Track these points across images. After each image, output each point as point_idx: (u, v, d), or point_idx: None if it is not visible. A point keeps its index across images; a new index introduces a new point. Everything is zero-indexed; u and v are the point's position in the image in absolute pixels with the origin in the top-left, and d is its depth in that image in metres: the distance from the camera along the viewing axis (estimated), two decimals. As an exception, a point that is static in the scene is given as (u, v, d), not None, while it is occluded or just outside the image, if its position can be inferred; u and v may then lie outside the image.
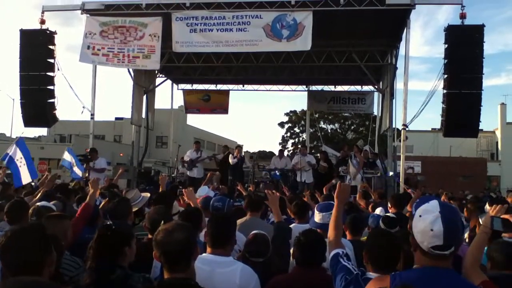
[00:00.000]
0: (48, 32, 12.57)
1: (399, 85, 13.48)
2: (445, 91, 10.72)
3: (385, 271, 2.35)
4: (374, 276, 2.32)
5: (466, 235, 4.59)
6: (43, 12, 12.56)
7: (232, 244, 3.08)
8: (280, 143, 47.33)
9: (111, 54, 11.98)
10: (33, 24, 13.33)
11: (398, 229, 4.32)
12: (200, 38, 11.58)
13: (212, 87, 19.02)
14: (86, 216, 4.21)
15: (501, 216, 2.57)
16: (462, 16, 10.49)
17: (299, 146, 25.91)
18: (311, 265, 3.07)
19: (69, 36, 77.05)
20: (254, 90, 19.37)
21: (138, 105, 15.46)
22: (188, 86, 19.18)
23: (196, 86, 19.22)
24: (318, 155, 14.87)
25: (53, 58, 12.54)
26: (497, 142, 37.32)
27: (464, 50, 10.53)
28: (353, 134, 44.52)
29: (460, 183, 26.50)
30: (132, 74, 14.87)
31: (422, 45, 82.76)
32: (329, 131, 46.07)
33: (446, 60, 10.68)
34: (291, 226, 4.56)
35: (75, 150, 12.43)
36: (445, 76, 10.69)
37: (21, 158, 7.52)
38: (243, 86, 18.89)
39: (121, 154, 29.24)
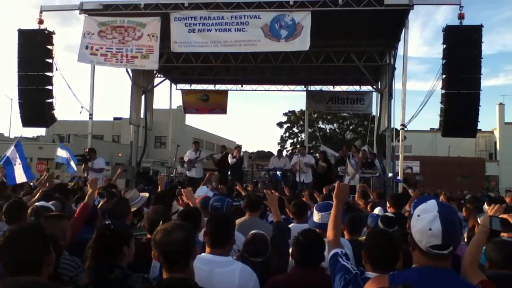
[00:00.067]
0: (46, 32, 12.56)
1: (397, 85, 13.54)
2: (443, 91, 10.75)
3: (384, 270, 2.35)
4: (373, 276, 2.33)
5: (464, 235, 4.60)
6: (41, 12, 12.55)
7: (231, 244, 3.08)
8: (278, 143, 47.37)
9: (110, 54, 11.97)
10: (32, 24, 13.34)
11: (396, 228, 4.33)
12: (199, 38, 11.58)
13: (210, 87, 19.02)
14: (85, 216, 4.20)
15: (500, 216, 2.58)
16: (461, 17, 10.52)
17: (298, 146, 25.96)
18: (310, 265, 3.07)
19: (68, 36, 76.99)
20: (253, 90, 19.44)
21: (137, 105, 15.45)
22: (186, 86, 19.18)
23: (195, 86, 19.23)
24: (317, 155, 14.88)
25: (52, 58, 12.54)
26: (495, 142, 37.39)
27: (462, 50, 10.56)
28: (352, 134, 44.58)
29: (458, 183, 26.52)
30: (131, 74, 14.87)
31: (421, 45, 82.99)
32: (328, 131, 46.11)
33: (444, 60, 10.71)
34: (290, 226, 4.56)
35: (74, 150, 12.43)
36: (444, 76, 10.71)
37: (16, 157, 7.64)
38: (242, 86, 18.91)
39: (119, 154, 29.14)
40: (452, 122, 10.80)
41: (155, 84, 16.96)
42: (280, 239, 3.85)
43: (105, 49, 11.95)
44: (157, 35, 11.70)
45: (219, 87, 18.98)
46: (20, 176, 7.56)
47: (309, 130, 29.44)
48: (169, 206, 4.61)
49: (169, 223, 2.45)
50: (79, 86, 32.02)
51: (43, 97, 12.47)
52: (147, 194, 5.38)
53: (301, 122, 41.79)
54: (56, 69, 12.52)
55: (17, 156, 7.67)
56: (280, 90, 19.53)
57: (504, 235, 3.11)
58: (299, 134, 45.87)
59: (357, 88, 18.63)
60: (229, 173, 13.07)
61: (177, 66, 15.54)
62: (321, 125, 43.83)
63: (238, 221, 4.33)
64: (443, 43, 10.71)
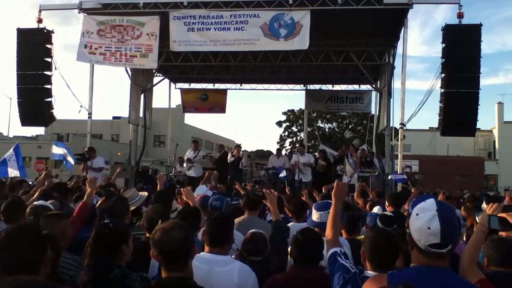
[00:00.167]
0: (45, 31, 12.54)
1: (396, 84, 13.60)
2: (442, 90, 10.76)
3: (383, 269, 2.35)
4: (371, 275, 2.33)
5: (463, 233, 4.61)
6: (40, 11, 12.53)
7: (230, 243, 3.08)
8: (278, 142, 47.41)
9: (109, 53, 11.96)
10: (31, 23, 13.32)
11: (395, 227, 4.33)
12: (198, 37, 11.58)
13: (209, 86, 19.02)
14: (84, 215, 4.19)
15: (498, 215, 2.58)
16: (460, 16, 10.52)
17: (297, 145, 25.95)
18: (308, 264, 3.07)
19: (67, 35, 76.87)
20: (252, 89, 19.49)
21: (136, 104, 15.43)
22: (185, 85, 19.18)
23: (194, 85, 19.22)
24: (317, 154, 14.88)
25: (51, 57, 12.52)
26: (494, 141, 37.43)
27: (461, 49, 10.57)
28: (351, 133, 44.60)
29: (457, 182, 26.54)
30: (130, 73, 14.84)
31: (420, 44, 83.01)
32: (327, 130, 46.16)
33: (443, 60, 10.71)
34: (289, 225, 4.56)
35: (73, 149, 12.42)
36: (443, 75, 10.72)
37: (12, 154, 7.77)
38: (241, 85, 18.93)
39: (118, 153, 29.15)
40: (451, 121, 10.80)
41: (154, 83, 16.95)
42: (279, 238, 3.86)
43: (104, 48, 11.94)
44: (156, 34, 11.69)
45: (218, 86, 18.98)
46: (12, 171, 7.70)
47: (308, 129, 29.44)
48: (168, 205, 4.60)
49: (167, 222, 2.45)
50: (78, 85, 32.01)
51: (42, 96, 12.45)
52: (146, 193, 5.38)
53: (300, 121, 41.81)
54: (55, 68, 12.53)
55: (13, 155, 7.81)
56: (279, 89, 19.56)
57: (503, 234, 3.11)
58: (298, 133, 45.91)
59: (356, 87, 18.64)
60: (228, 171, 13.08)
61: (176, 65, 15.52)
62: (320, 124, 43.86)
63: (237, 220, 4.33)
64: (442, 42, 10.70)
